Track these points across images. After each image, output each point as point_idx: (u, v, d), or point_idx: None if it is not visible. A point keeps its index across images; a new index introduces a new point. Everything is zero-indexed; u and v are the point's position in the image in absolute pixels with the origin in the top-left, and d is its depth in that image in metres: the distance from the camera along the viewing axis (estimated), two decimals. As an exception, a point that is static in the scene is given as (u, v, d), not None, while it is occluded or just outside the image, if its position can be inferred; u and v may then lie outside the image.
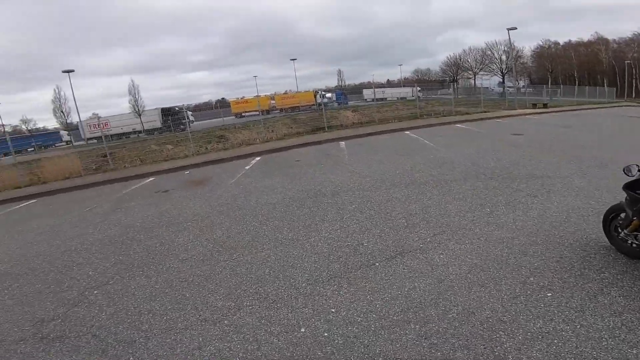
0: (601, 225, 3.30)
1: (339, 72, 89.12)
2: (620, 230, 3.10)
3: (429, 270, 3.10)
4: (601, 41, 50.38)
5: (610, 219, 3.20)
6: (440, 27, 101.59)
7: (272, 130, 16.70)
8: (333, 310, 2.67)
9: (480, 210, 4.45)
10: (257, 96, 44.32)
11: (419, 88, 22.71)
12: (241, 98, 45.21)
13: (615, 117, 15.98)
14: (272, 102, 42.27)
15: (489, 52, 58.90)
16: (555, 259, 3.13)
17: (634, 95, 40.88)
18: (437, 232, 3.86)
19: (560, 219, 3.96)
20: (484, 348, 2.14)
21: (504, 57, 56.05)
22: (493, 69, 59.15)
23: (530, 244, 3.44)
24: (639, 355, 1.97)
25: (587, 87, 35.74)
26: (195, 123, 33.04)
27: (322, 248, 3.80)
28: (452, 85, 27.64)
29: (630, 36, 47.35)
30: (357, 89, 59.59)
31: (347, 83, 76.56)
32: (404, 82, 63.64)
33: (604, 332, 2.17)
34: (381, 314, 2.58)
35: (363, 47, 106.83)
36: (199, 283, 3.39)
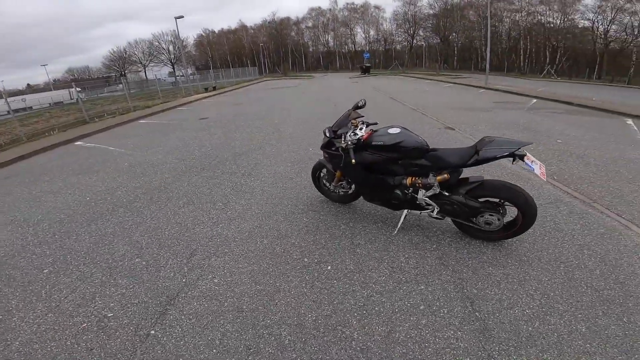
0: (312, 182, 3.73)
1: None
2: (327, 183, 3.56)
3: (217, 306, 2.25)
4: (243, 28, 62.71)
5: (318, 176, 3.63)
6: (96, 19, 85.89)
7: None
8: None
9: (214, 208, 3.84)
10: None
11: (78, 89, 18.21)
12: None
13: (267, 90, 20.58)
14: None
15: (157, 43, 57.76)
16: (305, 229, 3.17)
17: (268, 72, 55.05)
18: (190, 255, 2.90)
19: (277, 190, 4.22)
20: (338, 347, 1.91)
21: (171, 48, 56.99)
22: (162, 60, 58.92)
23: (278, 223, 3.33)
24: (404, 309, 2.21)
25: (239, 68, 43.89)
26: None
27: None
28: (122, 81, 24.54)
29: (260, 22, 62.44)
30: (-27, 101, 40.12)
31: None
32: (55, 85, 50.24)
33: (392, 296, 2.33)
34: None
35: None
36: None
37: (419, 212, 2.90)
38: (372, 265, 2.58)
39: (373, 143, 2.76)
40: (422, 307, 2.14)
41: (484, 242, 2.79)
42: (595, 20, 33.77)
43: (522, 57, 38.59)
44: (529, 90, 15.92)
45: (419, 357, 1.80)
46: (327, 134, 3.03)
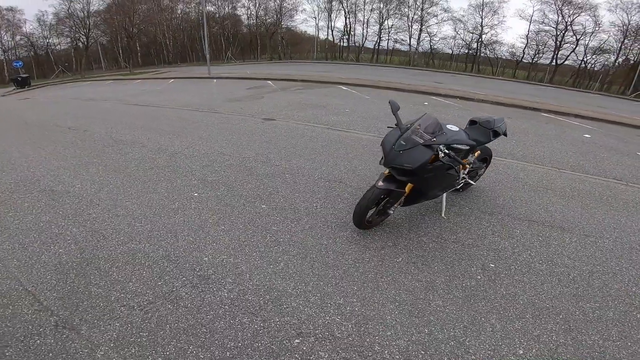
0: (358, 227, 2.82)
1: None
2: (379, 213, 2.86)
3: None
4: None
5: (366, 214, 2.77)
6: None
7: None
8: None
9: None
10: None
11: None
12: None
13: None
14: None
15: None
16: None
17: None
18: None
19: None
20: None
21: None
22: None
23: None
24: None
25: None
26: None
27: None
28: None
29: None
30: None
31: None
32: None
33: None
34: None
35: None
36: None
37: (455, 189, 3.26)
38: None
39: (460, 146, 2.66)
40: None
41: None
42: (249, 7, 41.51)
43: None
44: (248, 74, 18.07)
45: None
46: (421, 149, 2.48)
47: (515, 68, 37.22)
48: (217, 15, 40.96)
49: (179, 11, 41.81)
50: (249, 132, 6.29)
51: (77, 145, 5.99)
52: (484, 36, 36.53)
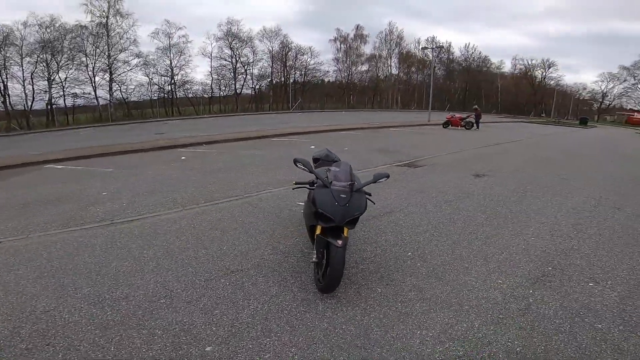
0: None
1: None
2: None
3: None
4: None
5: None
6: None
7: None
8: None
9: None
10: None
11: None
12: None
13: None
14: None
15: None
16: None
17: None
18: None
19: None
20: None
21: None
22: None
23: None
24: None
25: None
26: None
27: None
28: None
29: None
30: None
31: None
32: None
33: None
34: None
35: None
36: None
37: None
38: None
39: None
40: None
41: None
42: None
43: None
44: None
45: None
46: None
47: (209, 103, 42.09)
48: None
49: None
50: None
51: None
52: (175, 77, 38.31)
